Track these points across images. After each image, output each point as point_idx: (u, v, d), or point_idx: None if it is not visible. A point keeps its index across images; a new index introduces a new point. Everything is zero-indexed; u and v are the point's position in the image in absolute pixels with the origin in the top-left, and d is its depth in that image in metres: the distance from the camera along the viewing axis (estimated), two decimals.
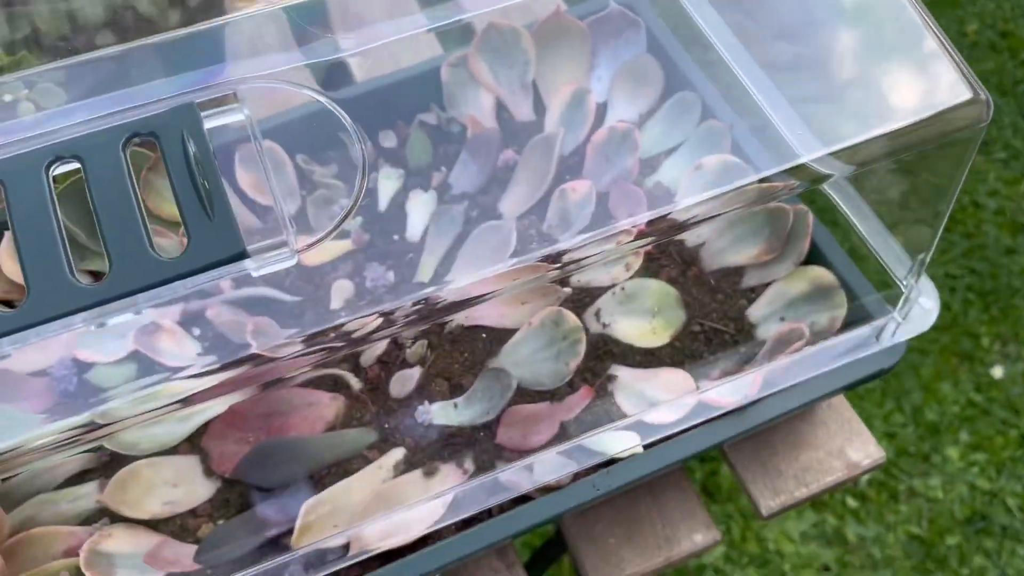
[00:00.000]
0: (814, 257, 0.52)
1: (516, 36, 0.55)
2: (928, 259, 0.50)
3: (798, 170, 0.44)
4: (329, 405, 0.50)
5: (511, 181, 0.56)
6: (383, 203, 0.56)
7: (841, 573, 1.20)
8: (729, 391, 0.47)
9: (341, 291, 0.52)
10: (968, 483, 1.25)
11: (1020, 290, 1.42)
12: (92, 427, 0.41)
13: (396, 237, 0.55)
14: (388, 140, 0.58)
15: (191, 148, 0.37)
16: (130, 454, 0.49)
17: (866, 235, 0.52)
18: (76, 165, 0.37)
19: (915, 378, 1.35)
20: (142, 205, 0.36)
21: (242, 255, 0.36)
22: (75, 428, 0.42)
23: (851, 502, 1.25)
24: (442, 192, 0.56)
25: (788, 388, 0.48)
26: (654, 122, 0.56)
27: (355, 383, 0.51)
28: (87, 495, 0.48)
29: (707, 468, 1.28)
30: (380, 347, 0.52)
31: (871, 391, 1.31)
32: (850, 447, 0.51)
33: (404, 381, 0.50)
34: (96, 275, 0.50)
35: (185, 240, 0.36)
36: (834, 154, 0.44)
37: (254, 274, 0.38)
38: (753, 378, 0.48)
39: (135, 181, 0.37)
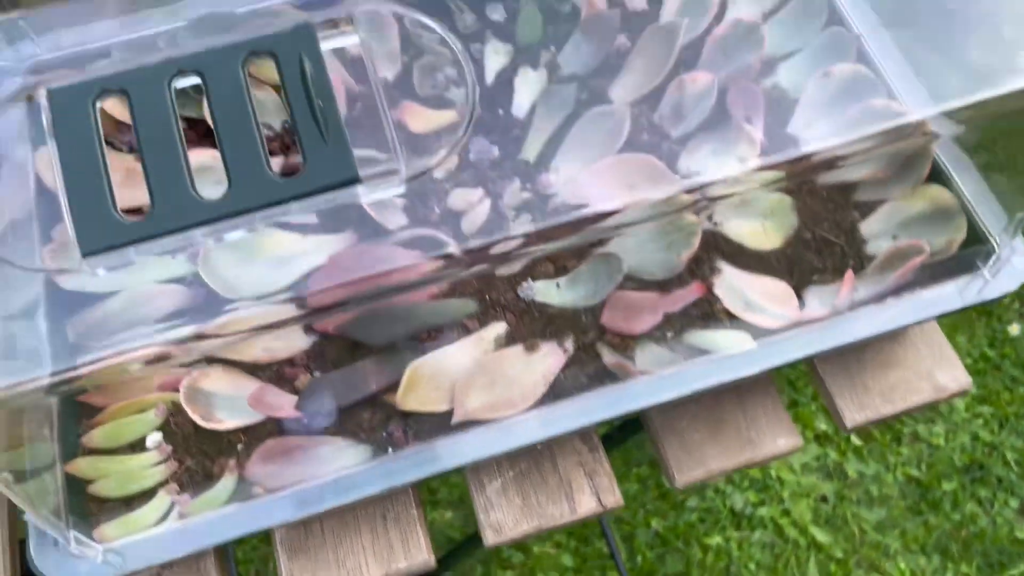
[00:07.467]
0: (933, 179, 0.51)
1: None
2: None
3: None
4: None
5: (624, 68, 0.55)
6: (489, 76, 0.54)
7: (838, 506, 1.23)
8: (831, 304, 0.47)
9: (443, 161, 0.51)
10: (971, 433, 1.28)
11: None
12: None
13: (501, 112, 0.53)
14: (496, 13, 0.56)
15: (308, 69, 0.36)
16: None
17: (961, 186, 0.51)
18: (197, 80, 0.36)
19: None
20: (259, 124, 0.36)
21: (355, 180, 0.36)
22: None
23: (855, 440, 1.27)
24: (551, 72, 0.55)
25: (886, 308, 0.47)
26: (776, 22, 0.54)
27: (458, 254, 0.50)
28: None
29: None
30: (483, 216, 0.51)
31: None
32: (939, 370, 0.51)
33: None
34: None
35: (300, 161, 0.36)
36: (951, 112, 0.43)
37: (363, 200, 0.37)
38: (859, 295, 0.48)
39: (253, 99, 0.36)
